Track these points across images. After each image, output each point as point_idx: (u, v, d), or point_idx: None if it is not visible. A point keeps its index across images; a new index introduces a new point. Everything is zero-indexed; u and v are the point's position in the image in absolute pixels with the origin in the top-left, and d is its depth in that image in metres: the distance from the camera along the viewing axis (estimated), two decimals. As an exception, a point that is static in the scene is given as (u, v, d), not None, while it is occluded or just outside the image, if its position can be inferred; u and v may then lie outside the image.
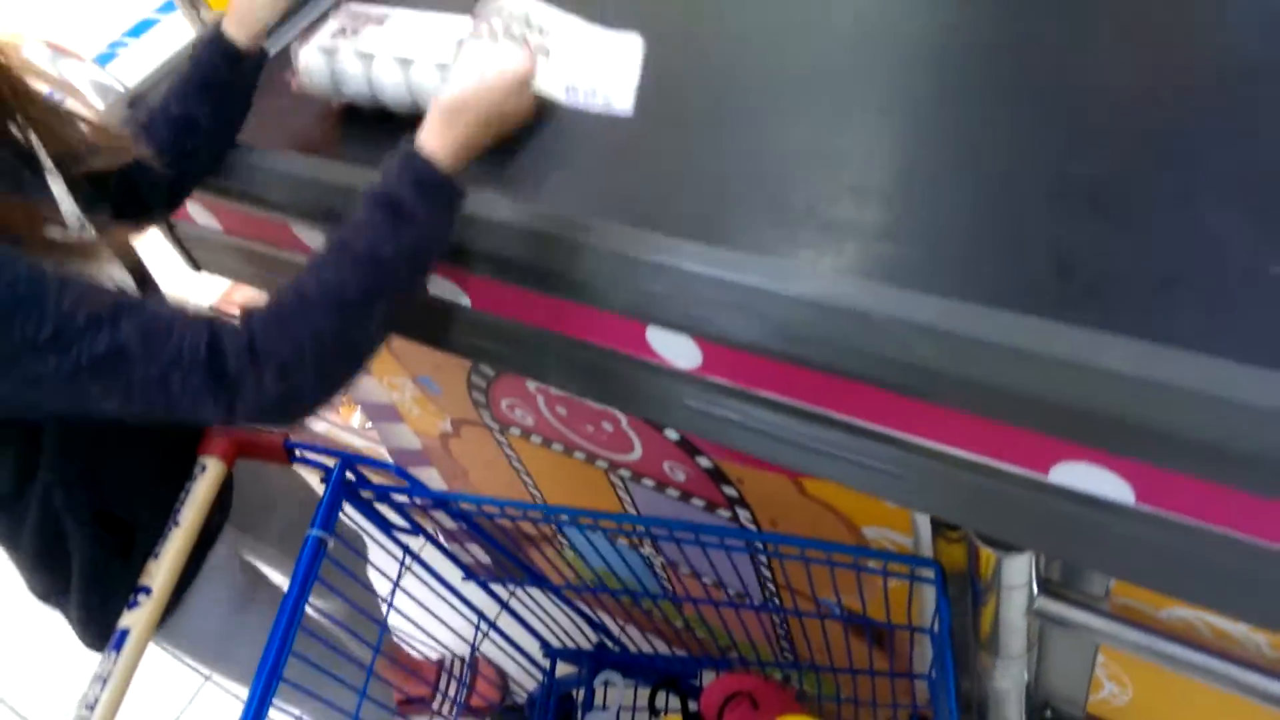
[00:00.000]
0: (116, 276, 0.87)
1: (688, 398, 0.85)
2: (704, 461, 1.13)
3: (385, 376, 1.48)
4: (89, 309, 0.68)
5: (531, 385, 1.21)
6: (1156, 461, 0.61)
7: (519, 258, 0.84)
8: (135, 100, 1.13)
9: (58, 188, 0.82)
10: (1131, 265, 0.67)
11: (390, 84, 0.99)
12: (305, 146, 1.04)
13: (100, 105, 1.31)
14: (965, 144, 0.82)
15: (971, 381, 0.64)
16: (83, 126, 0.87)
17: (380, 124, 1.03)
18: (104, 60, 3.72)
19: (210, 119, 0.95)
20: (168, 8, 3.39)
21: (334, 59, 1.01)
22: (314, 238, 1.03)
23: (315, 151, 1.03)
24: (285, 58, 1.10)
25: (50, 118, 0.84)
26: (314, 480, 1.11)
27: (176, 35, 3.24)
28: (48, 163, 0.83)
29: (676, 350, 0.81)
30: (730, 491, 1.16)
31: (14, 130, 0.82)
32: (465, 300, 0.95)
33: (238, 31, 0.93)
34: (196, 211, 1.14)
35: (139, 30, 3.87)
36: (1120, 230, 0.70)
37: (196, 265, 1.24)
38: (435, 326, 1.01)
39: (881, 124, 0.86)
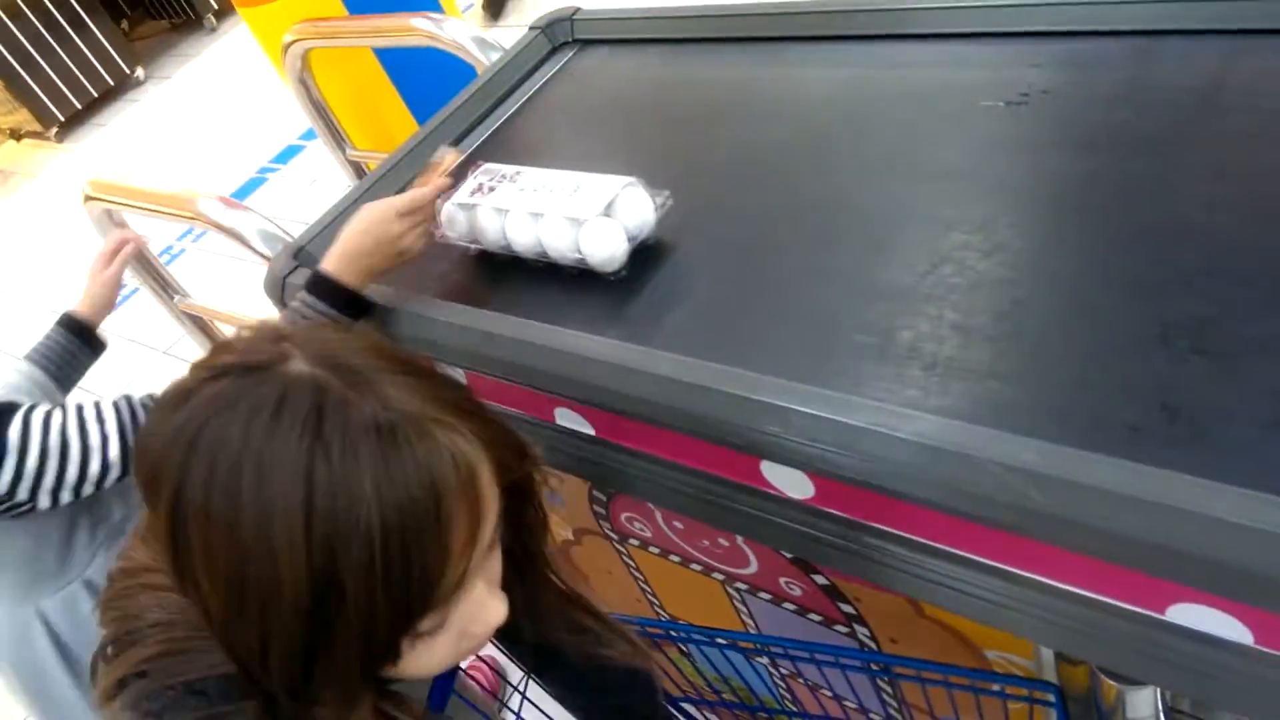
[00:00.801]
0: None
1: (801, 524, 0.89)
2: (820, 579, 1.16)
3: (511, 489, 1.56)
4: None
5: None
6: (1270, 606, 0.62)
7: (638, 395, 0.91)
8: (299, 251, 1.27)
9: None
10: (1237, 407, 0.69)
11: (521, 235, 1.10)
12: (444, 292, 1.15)
13: (268, 252, 1.48)
14: (1068, 283, 0.85)
15: (1077, 524, 0.66)
16: None
17: (511, 268, 1.14)
18: (254, 186, 4.08)
19: None
20: (309, 135, 3.72)
21: (473, 213, 1.13)
22: (454, 372, 1.13)
23: (454, 297, 1.14)
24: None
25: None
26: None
27: (321, 162, 3.53)
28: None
29: (789, 482, 0.86)
30: (847, 609, 1.18)
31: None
32: (589, 429, 1.03)
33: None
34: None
35: (285, 157, 4.23)
36: (1225, 373, 0.72)
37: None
38: (561, 451, 1.09)
39: (984, 263, 0.91)
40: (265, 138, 4.38)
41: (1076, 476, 0.66)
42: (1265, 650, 0.65)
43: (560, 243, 1.07)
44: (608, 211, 1.05)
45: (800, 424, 0.80)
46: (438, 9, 2.33)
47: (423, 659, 0.59)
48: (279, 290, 1.23)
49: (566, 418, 1.03)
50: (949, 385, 0.80)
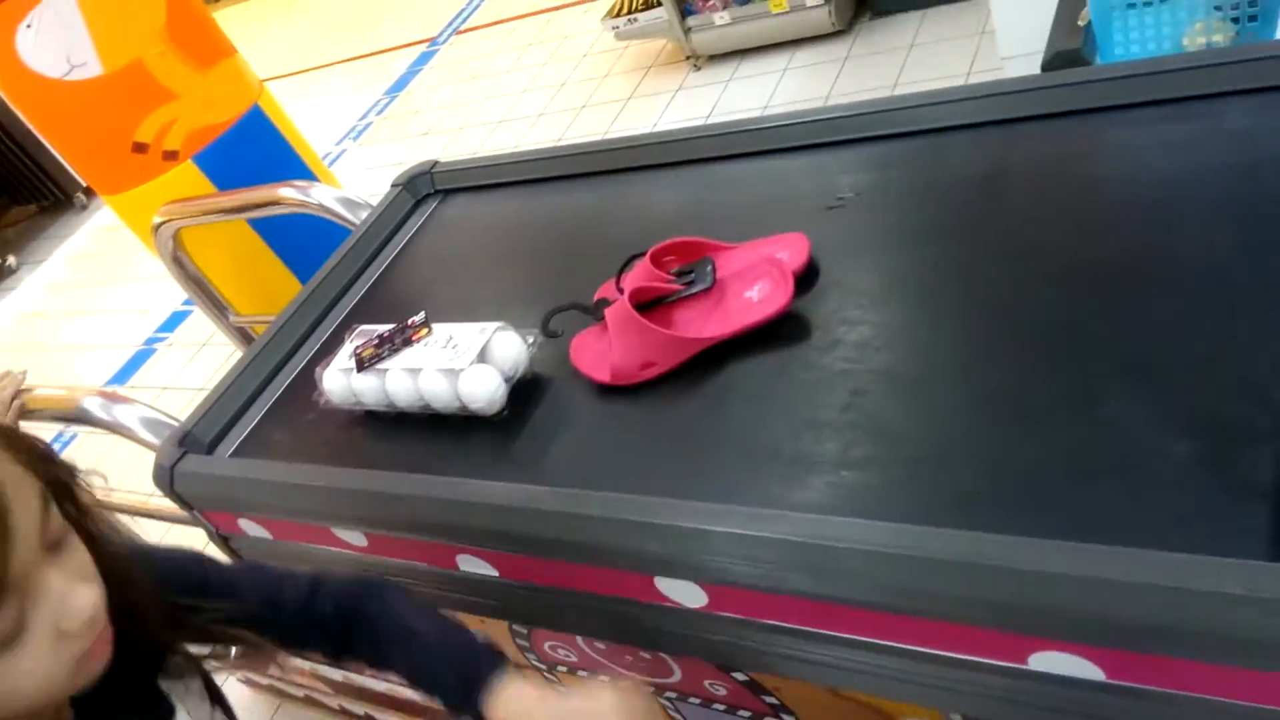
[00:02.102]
0: None
1: (702, 631, 0.94)
2: (739, 676, 1.19)
3: (434, 634, 1.56)
4: None
5: (569, 625, 1.29)
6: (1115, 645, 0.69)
7: (531, 534, 0.95)
8: (185, 436, 1.28)
9: None
10: (1050, 464, 0.77)
11: (402, 391, 1.14)
12: (335, 456, 1.18)
13: (156, 440, 1.48)
14: (903, 368, 0.94)
15: (934, 594, 0.73)
16: None
17: (395, 424, 1.18)
18: (142, 358, 4.01)
19: None
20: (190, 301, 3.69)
21: (352, 377, 1.17)
22: (354, 535, 1.15)
23: (346, 460, 1.16)
24: (311, 382, 1.26)
25: None
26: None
27: (208, 325, 3.50)
28: None
29: (684, 593, 0.90)
30: (771, 700, 1.21)
31: None
32: (494, 571, 1.06)
33: None
34: (247, 525, 1.27)
35: (171, 325, 4.19)
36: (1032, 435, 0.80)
37: (251, 567, 1.36)
38: (470, 597, 1.11)
39: (824, 358, 0.99)
40: (149, 308, 4.33)
41: (925, 551, 0.73)
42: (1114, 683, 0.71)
43: (441, 393, 1.12)
44: (482, 357, 1.11)
45: (680, 538, 0.85)
46: (307, 174, 2.40)
47: (23, 669, 0.58)
48: (168, 481, 1.24)
49: (470, 563, 1.06)
50: (809, 480, 0.86)
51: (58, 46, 2.04)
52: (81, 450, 3.49)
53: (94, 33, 2.07)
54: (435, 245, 1.55)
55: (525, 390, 1.13)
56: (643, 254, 1.15)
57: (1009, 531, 0.72)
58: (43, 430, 1.93)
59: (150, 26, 2.15)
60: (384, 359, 1.16)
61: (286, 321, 1.46)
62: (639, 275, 1.15)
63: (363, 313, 1.46)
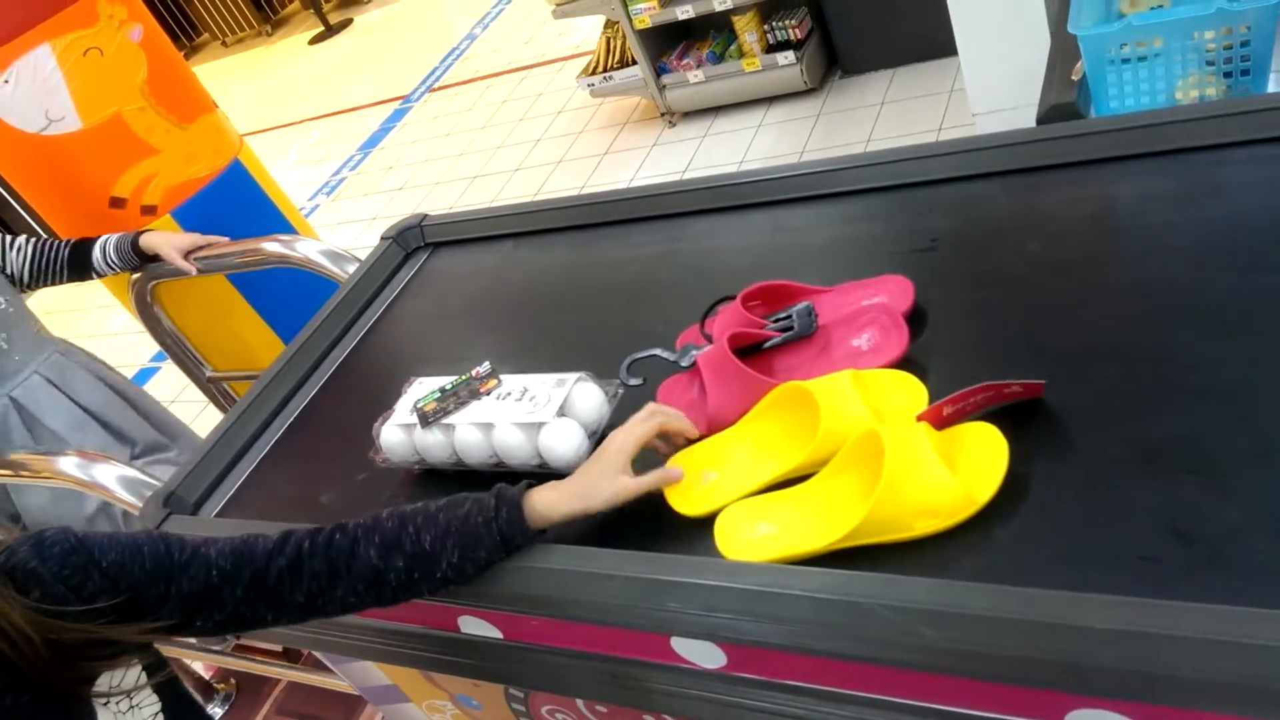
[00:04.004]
0: None
1: (719, 694, 0.91)
2: (748, 738, 1.16)
3: (425, 700, 1.51)
4: None
5: (568, 689, 1.25)
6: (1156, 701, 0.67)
7: (542, 594, 0.92)
8: (170, 497, 1.24)
9: None
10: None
11: (475, 446, 1.06)
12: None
13: (136, 501, 1.43)
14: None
15: (966, 653, 0.71)
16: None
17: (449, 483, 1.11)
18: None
19: None
20: (160, 355, 3.62)
21: (414, 433, 1.10)
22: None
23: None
24: (298, 438, 1.22)
25: None
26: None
27: (180, 380, 3.43)
28: None
29: (701, 654, 0.88)
30: (780, 762, 1.18)
31: None
32: (497, 633, 1.02)
33: None
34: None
35: (141, 379, 4.10)
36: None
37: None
38: (471, 660, 1.07)
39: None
40: (117, 365, 4.25)
41: (961, 607, 0.71)
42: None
43: (518, 449, 1.03)
44: (562, 410, 1.03)
45: (702, 595, 0.83)
46: (287, 229, 2.38)
47: None
48: (154, 543, 1.19)
49: (473, 625, 1.02)
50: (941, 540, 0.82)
51: (36, 101, 2.02)
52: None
53: (73, 88, 2.05)
54: (426, 298, 1.53)
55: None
56: (731, 297, 1.08)
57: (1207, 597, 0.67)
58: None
59: (130, 82, 2.13)
60: (450, 412, 1.09)
61: (274, 377, 1.43)
62: (731, 320, 1.07)
63: (354, 367, 1.44)
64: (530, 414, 1.03)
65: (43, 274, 1.95)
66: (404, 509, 0.91)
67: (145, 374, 4.10)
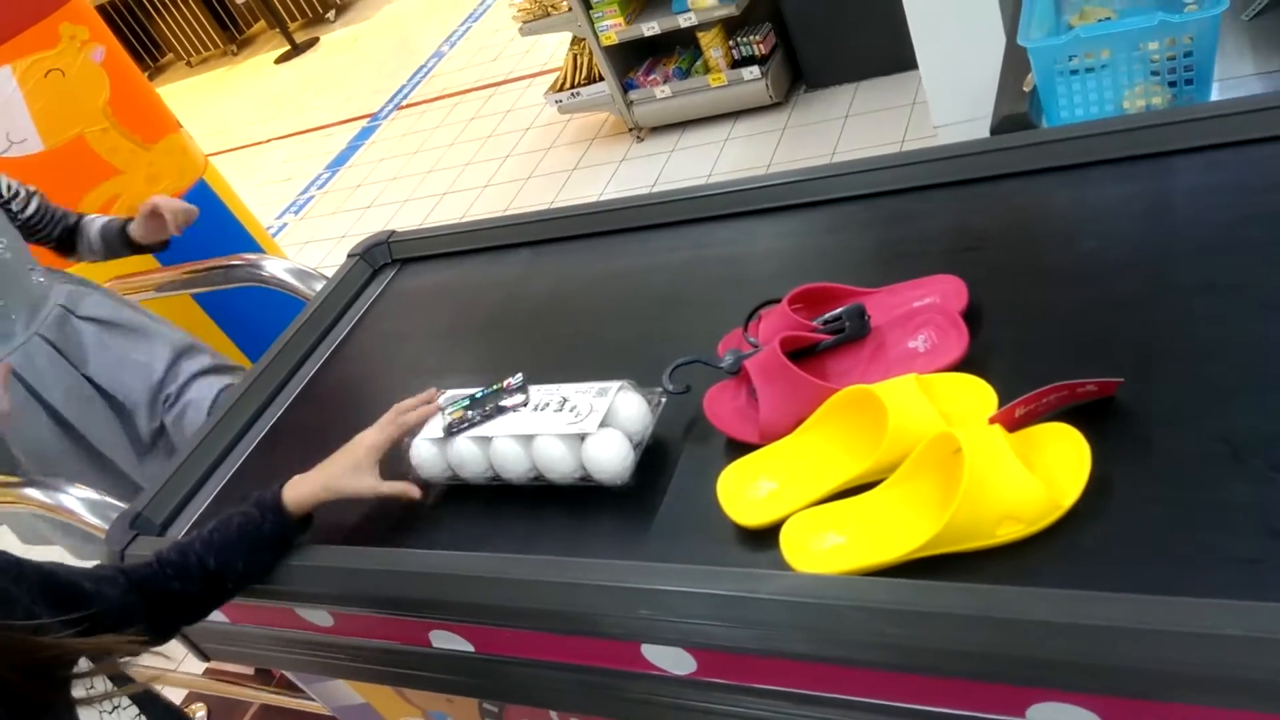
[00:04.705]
0: None
1: (689, 700, 0.91)
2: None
3: (399, 719, 1.50)
4: None
5: (543, 702, 1.25)
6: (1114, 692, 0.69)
7: (515, 605, 0.93)
8: (137, 518, 1.23)
9: None
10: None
11: (513, 459, 1.03)
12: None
13: (102, 524, 1.41)
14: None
15: (930, 650, 0.72)
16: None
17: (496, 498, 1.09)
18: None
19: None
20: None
21: (447, 447, 1.07)
22: (318, 615, 1.10)
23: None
24: (267, 459, 1.21)
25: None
26: None
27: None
28: None
29: (671, 660, 0.88)
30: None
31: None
32: (469, 647, 1.02)
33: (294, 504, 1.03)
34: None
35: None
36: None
37: (205, 656, 1.30)
38: (443, 675, 1.07)
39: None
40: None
41: (923, 606, 0.72)
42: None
43: (559, 462, 1.00)
44: (605, 421, 0.99)
45: (671, 602, 0.83)
46: (254, 248, 2.37)
47: None
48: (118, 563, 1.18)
49: (444, 639, 1.02)
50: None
51: (-4, 123, 2.01)
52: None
53: (34, 110, 2.04)
54: (394, 315, 1.53)
55: (648, 455, 1.02)
56: (775, 301, 1.04)
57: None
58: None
59: (92, 103, 2.13)
60: (478, 424, 1.06)
61: (241, 395, 1.42)
62: (779, 323, 1.02)
63: (323, 382, 1.43)
64: (572, 425, 0.99)
65: (33, 236, 1.83)
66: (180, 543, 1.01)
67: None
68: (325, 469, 1.05)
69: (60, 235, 1.86)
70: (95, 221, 1.87)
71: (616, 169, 3.80)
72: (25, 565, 0.83)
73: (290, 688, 1.96)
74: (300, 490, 1.03)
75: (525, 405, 1.05)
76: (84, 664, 0.77)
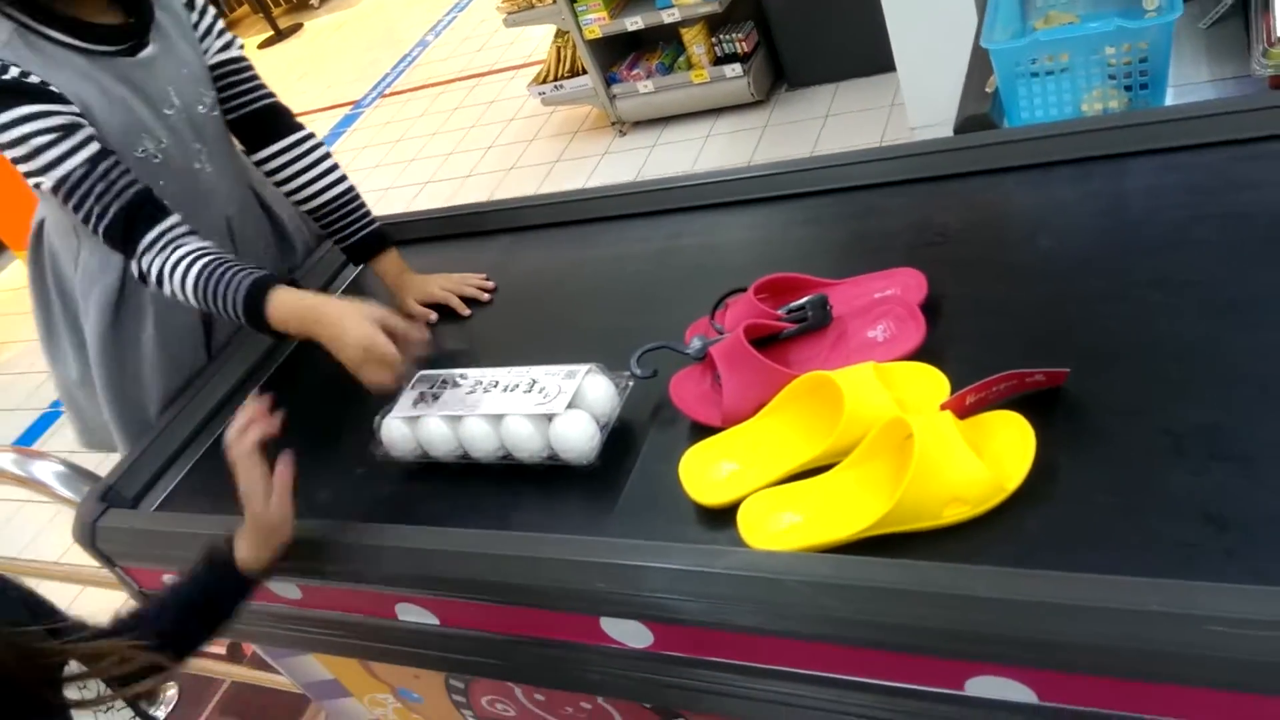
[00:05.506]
0: None
1: (647, 672, 0.94)
2: (681, 722, 1.19)
3: (367, 695, 1.52)
4: None
5: (507, 679, 1.27)
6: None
7: (478, 578, 0.95)
8: (108, 491, 1.24)
9: None
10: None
11: (482, 439, 1.06)
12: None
13: (74, 496, 1.42)
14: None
15: (871, 623, 0.75)
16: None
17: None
18: (49, 421, 3.84)
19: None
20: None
21: (417, 426, 1.09)
22: (287, 588, 1.12)
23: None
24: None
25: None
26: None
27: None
28: None
29: (629, 633, 0.91)
30: (711, 746, 1.21)
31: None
32: (434, 620, 1.04)
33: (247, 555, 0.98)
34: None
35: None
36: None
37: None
38: (409, 647, 1.10)
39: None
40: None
41: (863, 580, 0.76)
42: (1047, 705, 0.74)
43: (527, 441, 1.03)
44: (574, 402, 1.03)
45: (630, 575, 0.86)
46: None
47: None
48: (89, 537, 1.19)
49: (410, 612, 1.05)
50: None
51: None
52: (-24, 518, 3.30)
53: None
54: (373, 298, 1.54)
55: (614, 436, 1.05)
56: (742, 290, 1.08)
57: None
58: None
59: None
60: (452, 405, 1.08)
61: (216, 374, 1.44)
62: (745, 311, 1.06)
63: (299, 363, 1.45)
64: (541, 405, 1.02)
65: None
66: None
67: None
68: (254, 531, 0.97)
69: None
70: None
71: (598, 163, 3.82)
72: (6, 580, 0.84)
73: (261, 665, 1.97)
74: (247, 556, 0.96)
75: (499, 387, 1.07)
76: (76, 667, 0.78)
